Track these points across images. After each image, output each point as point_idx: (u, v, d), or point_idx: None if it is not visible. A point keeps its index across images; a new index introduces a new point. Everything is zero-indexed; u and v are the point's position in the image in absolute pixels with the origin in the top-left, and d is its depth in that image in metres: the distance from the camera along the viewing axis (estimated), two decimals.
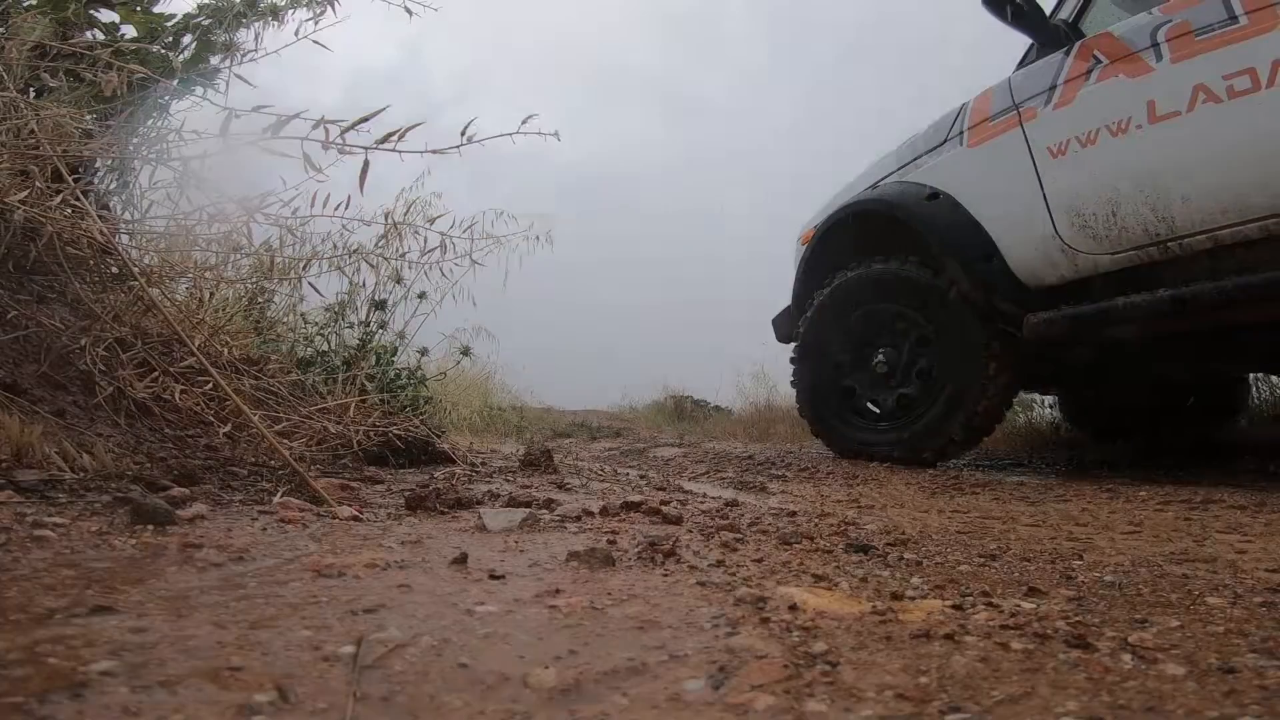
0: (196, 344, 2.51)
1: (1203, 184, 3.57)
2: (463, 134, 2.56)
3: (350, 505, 2.13)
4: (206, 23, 3.22)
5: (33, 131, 2.43)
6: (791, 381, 5.57)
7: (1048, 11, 4.32)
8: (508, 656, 1.02)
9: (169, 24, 3.27)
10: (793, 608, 1.29)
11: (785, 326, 5.83)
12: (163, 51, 3.19)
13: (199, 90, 3.19)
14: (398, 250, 3.64)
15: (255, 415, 2.35)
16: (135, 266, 2.64)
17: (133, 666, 0.90)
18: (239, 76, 3.00)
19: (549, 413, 12.90)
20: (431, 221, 3.63)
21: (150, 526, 1.62)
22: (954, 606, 1.34)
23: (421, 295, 4.56)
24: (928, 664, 1.04)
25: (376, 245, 3.57)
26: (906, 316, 4.85)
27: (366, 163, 2.44)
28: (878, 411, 5.09)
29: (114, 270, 2.78)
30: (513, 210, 3.92)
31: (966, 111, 4.59)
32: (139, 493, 1.82)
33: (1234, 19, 3.46)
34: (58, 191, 2.42)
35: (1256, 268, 3.44)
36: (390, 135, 2.47)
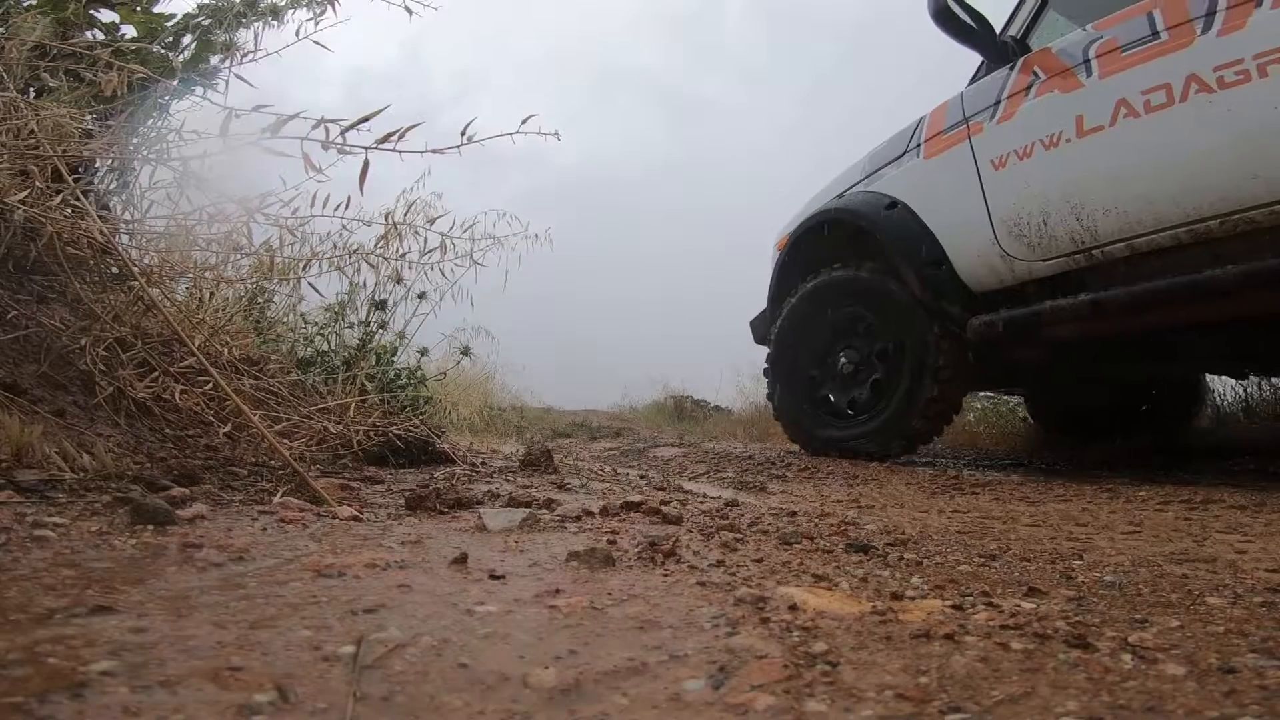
0: (196, 344, 2.51)
1: (1121, 195, 3.84)
2: (463, 134, 2.56)
3: (350, 505, 2.13)
4: (206, 23, 3.22)
5: (33, 131, 2.43)
6: (768, 384, 5.94)
7: (1001, 26, 4.59)
8: (508, 656, 1.02)
9: (169, 24, 3.27)
10: (793, 608, 1.29)
11: (762, 328, 6.12)
12: (163, 51, 3.19)
13: (199, 90, 3.19)
14: (398, 250, 3.64)
15: (255, 415, 2.35)
16: (135, 266, 2.64)
17: (133, 666, 0.90)
18: (239, 76, 3.00)
19: (549, 413, 12.91)
20: (431, 222, 3.63)
21: (150, 526, 1.62)
22: (954, 606, 1.34)
23: (421, 295, 4.57)
24: (928, 664, 1.04)
25: (377, 245, 3.57)
26: (868, 320, 5.17)
27: (366, 163, 2.44)
28: (845, 409, 5.39)
29: (114, 270, 2.78)
30: (514, 212, 3.94)
31: (924, 124, 4.91)
32: (139, 493, 1.81)
33: (1156, 35, 3.71)
34: (58, 191, 2.42)
35: (1168, 273, 3.70)
36: (390, 135, 2.46)
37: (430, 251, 3.65)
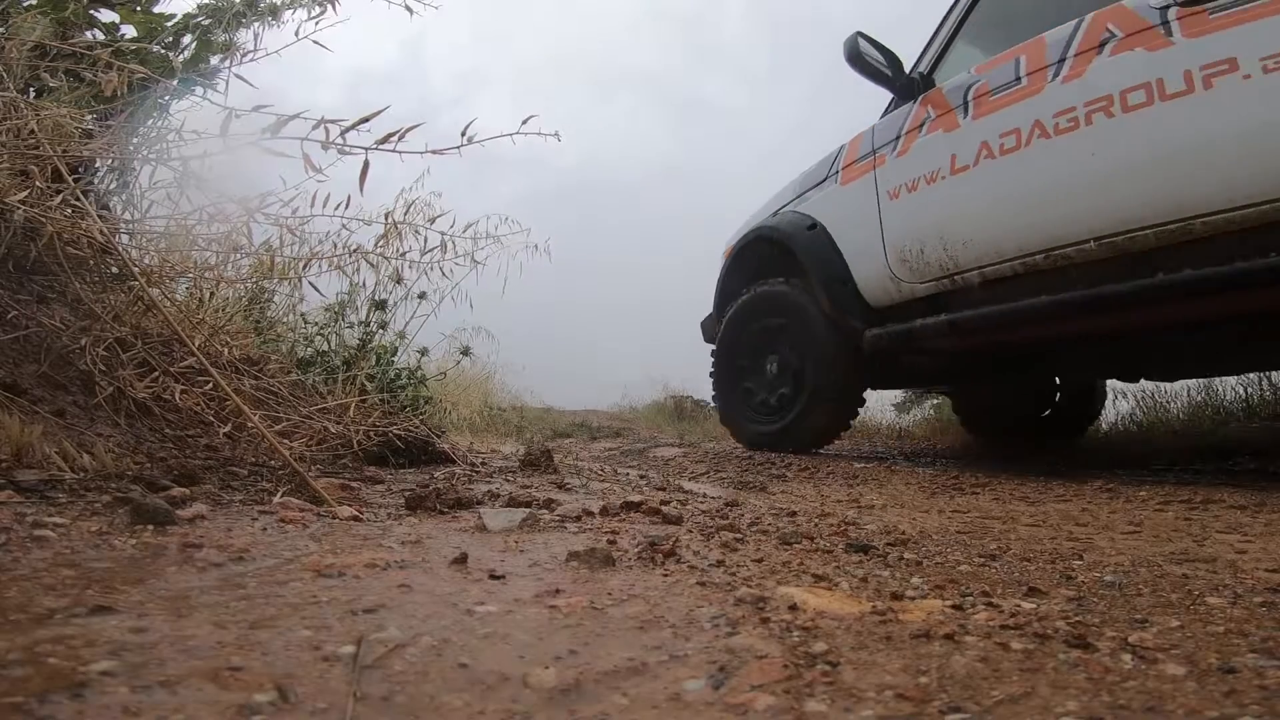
0: (196, 344, 2.51)
1: (976, 230, 4.32)
2: (463, 134, 2.56)
3: (350, 505, 2.13)
4: (206, 23, 3.22)
5: (33, 131, 2.43)
6: (712, 384, 6.46)
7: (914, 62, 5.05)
8: (508, 656, 1.02)
9: (169, 24, 3.27)
10: (793, 608, 1.29)
11: (710, 329, 6.61)
12: (163, 51, 3.19)
13: (199, 90, 3.19)
14: (398, 250, 3.64)
15: (255, 415, 2.35)
16: (135, 266, 2.64)
17: (133, 666, 0.90)
18: (239, 76, 3.00)
19: (549, 413, 12.94)
20: (432, 221, 3.63)
21: (150, 526, 1.62)
22: (954, 606, 1.35)
23: (422, 295, 4.57)
24: (928, 664, 1.04)
25: (377, 245, 3.57)
26: (789, 329, 5.69)
27: (366, 163, 2.44)
28: (770, 407, 5.93)
29: (114, 270, 2.78)
30: (514, 215, 3.94)
31: (843, 152, 5.38)
32: (139, 493, 1.81)
33: (1019, 80, 4.13)
34: (58, 191, 2.42)
35: (1006, 300, 4.19)
36: (390, 135, 2.46)
37: (430, 251, 3.65)
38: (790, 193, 5.87)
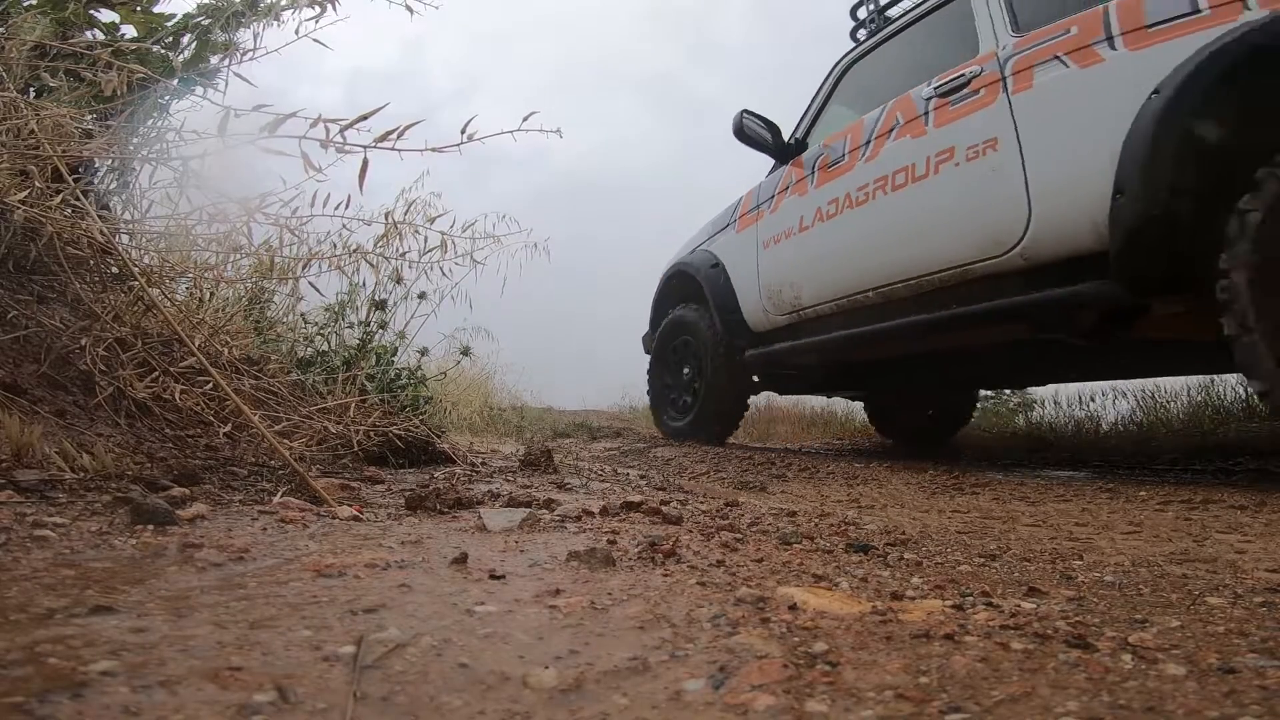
0: (196, 344, 2.51)
1: (810, 277, 5.53)
2: (463, 132, 2.55)
3: (350, 505, 2.13)
4: (206, 22, 3.22)
5: (33, 131, 2.43)
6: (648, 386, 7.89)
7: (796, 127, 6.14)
8: (508, 656, 1.02)
9: (169, 24, 3.27)
10: (793, 608, 1.29)
11: (647, 343, 8.01)
12: (162, 51, 3.19)
13: (199, 90, 3.19)
14: (398, 250, 3.64)
15: (255, 415, 2.35)
16: (135, 266, 2.64)
17: (133, 666, 0.90)
18: (239, 75, 3.00)
19: (549, 412, 12.94)
20: (432, 221, 3.63)
21: (150, 526, 1.62)
22: (954, 606, 1.35)
23: (422, 295, 4.58)
24: (928, 664, 1.04)
25: (376, 245, 3.57)
26: (693, 346, 7.04)
27: (366, 161, 2.43)
28: (683, 407, 7.33)
29: (114, 270, 2.78)
30: (514, 213, 3.94)
31: (740, 204, 6.62)
32: (139, 493, 1.82)
33: (843, 156, 5.21)
34: (58, 191, 2.42)
35: (826, 331, 5.39)
36: (389, 133, 2.46)
37: (430, 251, 3.65)
38: (705, 233, 7.22)
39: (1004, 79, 4.19)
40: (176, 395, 2.54)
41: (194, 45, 3.27)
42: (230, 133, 2.45)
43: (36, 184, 2.36)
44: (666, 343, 7.47)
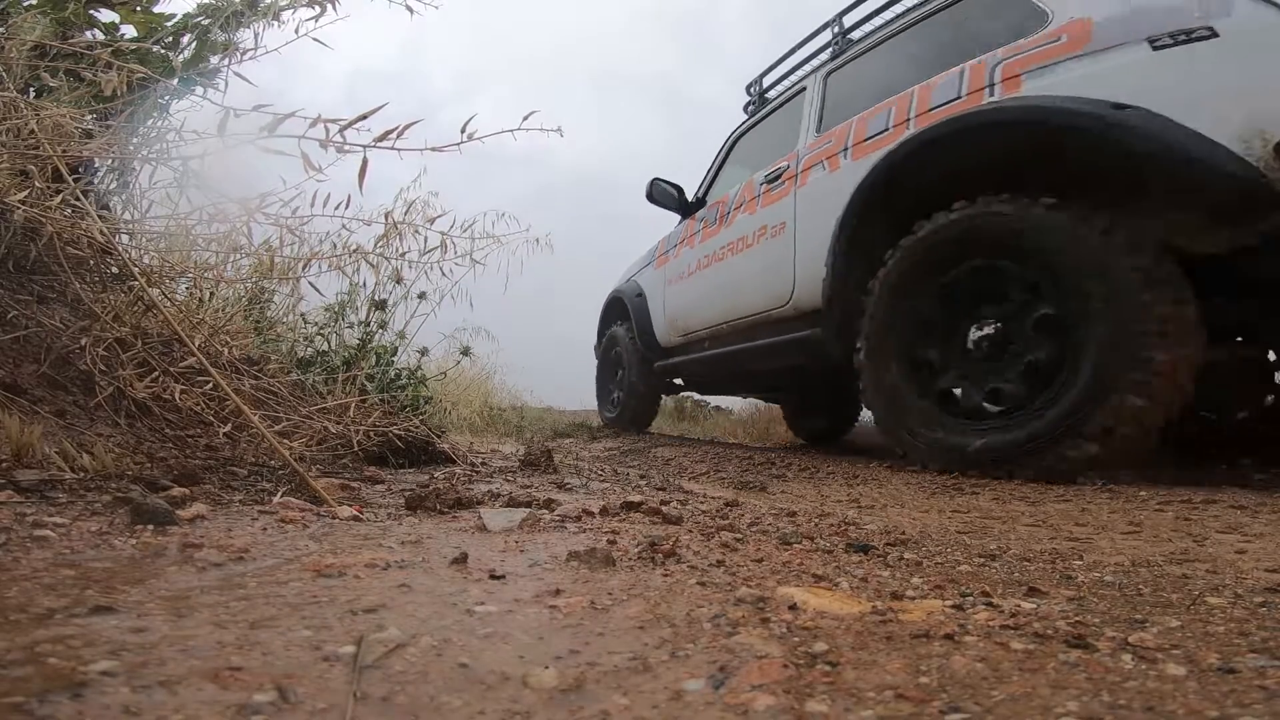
0: (196, 344, 2.50)
1: (689, 313, 7.24)
2: (463, 131, 2.55)
3: (350, 505, 2.13)
4: (206, 22, 3.22)
5: (33, 131, 2.43)
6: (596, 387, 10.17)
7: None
8: (508, 656, 1.02)
9: (168, 24, 3.27)
10: (793, 608, 1.29)
11: (597, 353, 10.00)
12: (162, 51, 3.19)
13: (199, 90, 3.18)
14: (398, 250, 3.64)
15: (255, 415, 2.35)
16: (135, 266, 2.64)
17: (133, 666, 0.90)
18: (239, 75, 3.00)
19: (549, 412, 12.98)
20: (431, 221, 3.63)
21: (150, 526, 1.62)
22: (954, 606, 1.35)
23: (422, 295, 4.59)
24: (928, 664, 1.04)
25: (376, 245, 3.57)
26: (623, 357, 8.85)
27: (365, 161, 2.43)
28: (615, 401, 9.36)
29: (114, 270, 2.78)
30: (515, 213, 3.95)
31: (659, 244, 8.32)
32: (139, 493, 1.81)
33: (716, 220, 6.82)
34: (58, 191, 2.42)
35: (703, 350, 6.98)
36: (389, 133, 2.45)
37: (430, 251, 3.65)
38: (637, 265, 9.00)
39: (796, 174, 5.53)
40: (176, 395, 2.54)
41: (194, 45, 3.27)
42: (230, 133, 2.45)
43: (36, 184, 2.36)
44: (605, 353, 9.60)
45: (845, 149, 5.00)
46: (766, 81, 7.07)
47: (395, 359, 4.71)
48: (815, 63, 6.26)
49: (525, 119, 2.66)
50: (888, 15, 5.59)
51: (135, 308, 2.72)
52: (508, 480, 3.18)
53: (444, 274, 3.82)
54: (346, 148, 2.43)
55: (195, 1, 3.29)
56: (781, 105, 6.45)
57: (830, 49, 6.03)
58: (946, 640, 1.14)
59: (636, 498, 2.59)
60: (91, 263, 2.71)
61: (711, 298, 6.70)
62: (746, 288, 6.08)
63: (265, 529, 1.76)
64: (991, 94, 4.10)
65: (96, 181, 3.16)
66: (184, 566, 1.37)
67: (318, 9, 3.03)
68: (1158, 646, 1.12)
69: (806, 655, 1.06)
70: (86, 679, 0.86)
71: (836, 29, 5.99)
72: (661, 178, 7.62)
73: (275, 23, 3.13)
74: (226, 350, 2.88)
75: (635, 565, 1.63)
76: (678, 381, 8.53)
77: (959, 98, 4.27)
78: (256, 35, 3.10)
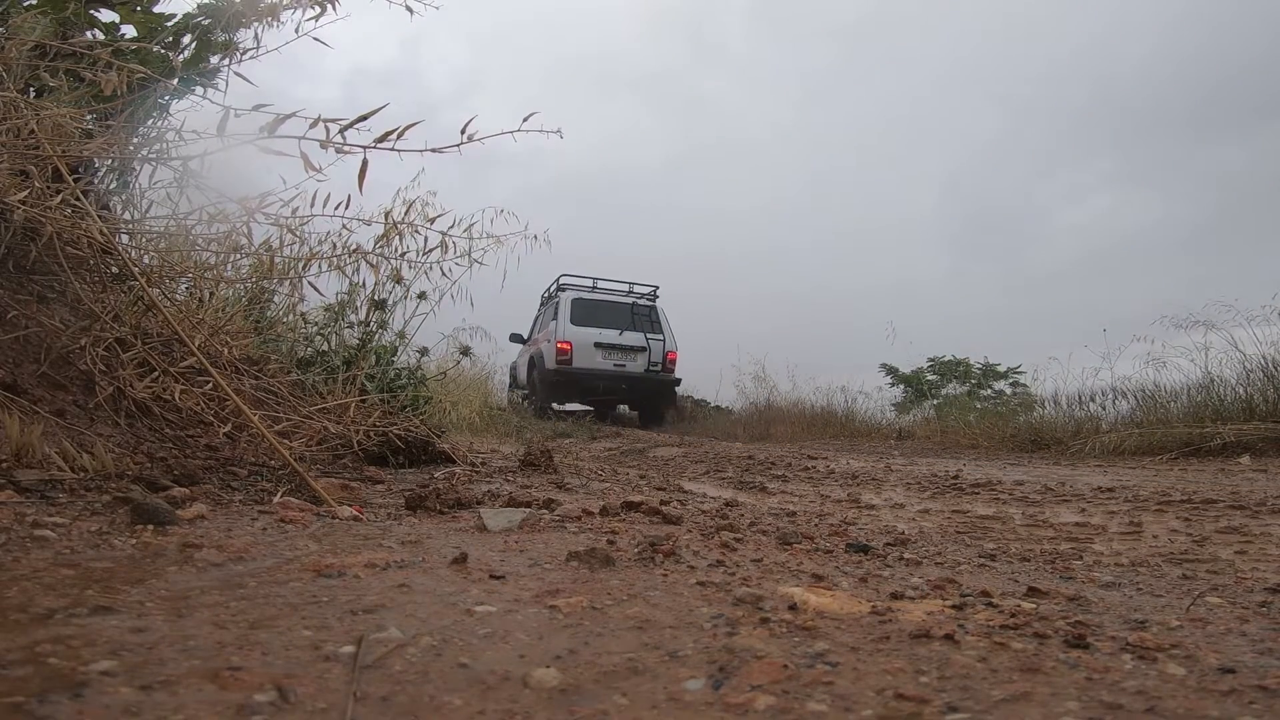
0: (196, 344, 2.51)
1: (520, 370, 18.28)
2: (463, 132, 2.55)
3: (350, 505, 2.13)
4: (206, 22, 3.22)
5: (33, 131, 2.43)
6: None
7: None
8: (508, 656, 1.03)
9: (169, 24, 3.26)
10: (792, 608, 1.29)
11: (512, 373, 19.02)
12: (162, 51, 3.18)
13: (199, 90, 3.18)
14: (397, 250, 3.64)
15: (255, 415, 2.35)
16: (135, 266, 2.64)
17: (133, 666, 0.90)
18: (239, 74, 3.00)
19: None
20: (431, 221, 3.63)
21: (150, 526, 1.62)
22: (954, 607, 1.35)
23: (421, 295, 4.58)
24: (927, 664, 1.04)
25: (376, 245, 3.57)
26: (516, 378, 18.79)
27: (365, 161, 2.43)
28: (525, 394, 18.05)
29: (114, 270, 2.78)
30: (514, 210, 3.95)
31: (530, 332, 18.12)
32: (139, 493, 1.82)
33: (528, 343, 18.16)
34: (58, 191, 2.42)
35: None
36: (389, 134, 2.45)
37: (430, 251, 3.65)
38: (529, 331, 18.05)
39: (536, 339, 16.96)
40: (176, 395, 2.54)
41: (194, 45, 3.26)
42: (230, 133, 2.45)
43: (36, 184, 2.36)
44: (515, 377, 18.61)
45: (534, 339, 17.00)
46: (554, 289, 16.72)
47: (395, 359, 4.71)
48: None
49: (525, 120, 2.66)
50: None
51: (135, 308, 2.72)
52: (508, 480, 3.19)
53: (444, 274, 3.82)
54: (346, 148, 2.43)
55: (196, 1, 3.28)
56: (542, 307, 16.95)
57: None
58: (946, 640, 1.14)
59: (636, 498, 2.60)
60: (91, 263, 2.71)
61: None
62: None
63: (265, 529, 1.76)
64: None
65: (96, 181, 3.15)
66: (184, 566, 1.37)
67: (318, 9, 3.02)
68: (1157, 646, 1.13)
69: (806, 655, 1.06)
70: (87, 679, 0.86)
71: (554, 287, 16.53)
72: (516, 332, 17.47)
73: (275, 23, 3.13)
74: (226, 350, 2.89)
75: (635, 565, 1.64)
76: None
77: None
78: (256, 35, 3.10)
